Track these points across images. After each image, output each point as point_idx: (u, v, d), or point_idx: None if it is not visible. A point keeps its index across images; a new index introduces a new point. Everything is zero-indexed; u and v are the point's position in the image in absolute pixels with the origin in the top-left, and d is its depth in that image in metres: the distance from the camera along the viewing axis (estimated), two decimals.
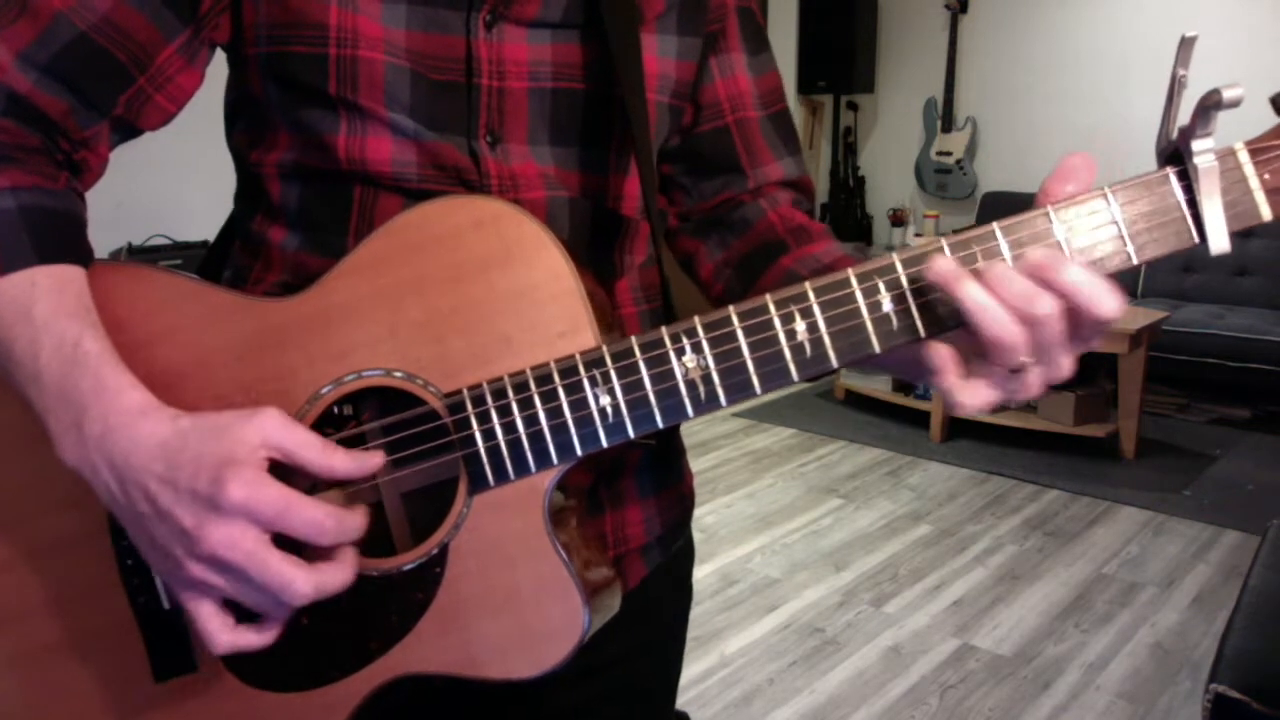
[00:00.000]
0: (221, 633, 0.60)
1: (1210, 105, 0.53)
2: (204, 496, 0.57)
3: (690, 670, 2.54)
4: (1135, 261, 0.57)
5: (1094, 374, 4.12)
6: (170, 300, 0.68)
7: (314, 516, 0.59)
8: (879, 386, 4.63)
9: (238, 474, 0.57)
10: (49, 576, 0.69)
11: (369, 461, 0.63)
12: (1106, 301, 0.54)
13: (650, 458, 0.85)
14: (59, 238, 0.65)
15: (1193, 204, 0.56)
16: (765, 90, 0.87)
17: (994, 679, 2.54)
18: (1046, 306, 0.55)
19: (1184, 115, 0.56)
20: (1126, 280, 5.07)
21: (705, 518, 3.52)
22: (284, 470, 0.60)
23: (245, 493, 0.57)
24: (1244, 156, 0.56)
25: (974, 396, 0.58)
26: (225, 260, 0.83)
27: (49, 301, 0.62)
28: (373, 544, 0.67)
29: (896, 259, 0.59)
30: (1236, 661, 1.49)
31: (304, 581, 0.59)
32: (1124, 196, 0.57)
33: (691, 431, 4.24)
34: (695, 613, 0.99)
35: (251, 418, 0.59)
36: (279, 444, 0.59)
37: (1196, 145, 0.55)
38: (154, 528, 0.59)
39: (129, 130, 0.73)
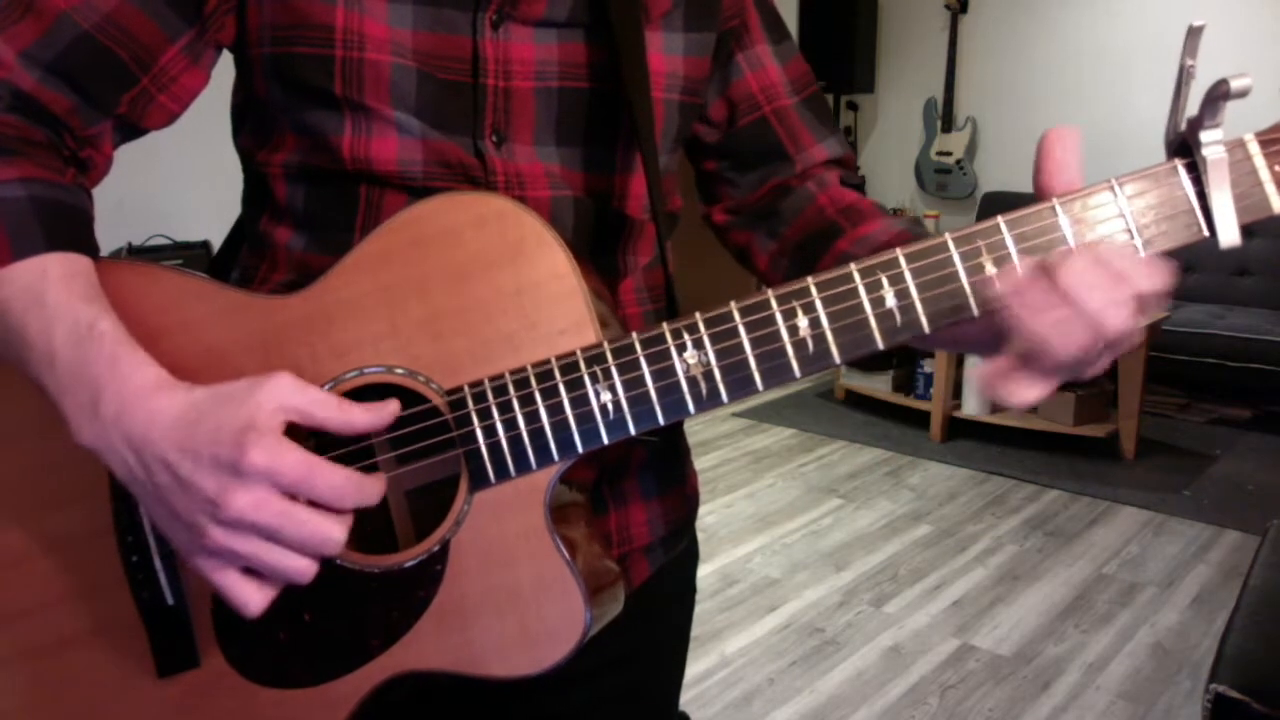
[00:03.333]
0: (253, 595, 0.60)
1: (1218, 95, 0.53)
2: (226, 463, 0.57)
3: (690, 670, 2.54)
4: (1143, 255, 0.56)
5: None
6: (175, 298, 0.68)
7: (336, 480, 0.59)
8: (879, 386, 4.63)
9: (259, 439, 0.57)
10: (53, 572, 0.68)
11: (385, 411, 0.63)
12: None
13: (655, 458, 0.85)
14: (68, 229, 0.65)
15: (1201, 196, 0.55)
16: (795, 76, 0.87)
17: (994, 679, 2.54)
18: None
19: (1193, 106, 0.55)
20: None
21: (705, 518, 3.52)
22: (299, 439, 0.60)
23: (267, 457, 0.57)
24: (1254, 147, 0.55)
25: (1030, 391, 0.58)
26: (233, 262, 0.83)
27: (61, 287, 0.62)
28: (375, 541, 0.66)
29: (900, 253, 0.59)
30: (1236, 661, 1.49)
31: (339, 530, 0.59)
32: (1131, 189, 0.56)
33: (692, 431, 4.24)
34: (695, 613, 0.99)
35: (265, 382, 0.59)
36: (295, 405, 0.59)
37: (1205, 136, 0.54)
38: (175, 499, 0.59)
39: (133, 130, 0.73)
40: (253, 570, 0.61)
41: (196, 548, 0.60)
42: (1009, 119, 5.59)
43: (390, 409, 0.63)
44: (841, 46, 5.72)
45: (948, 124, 5.72)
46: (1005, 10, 5.54)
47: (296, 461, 0.58)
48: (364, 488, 0.61)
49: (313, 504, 0.59)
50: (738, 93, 0.84)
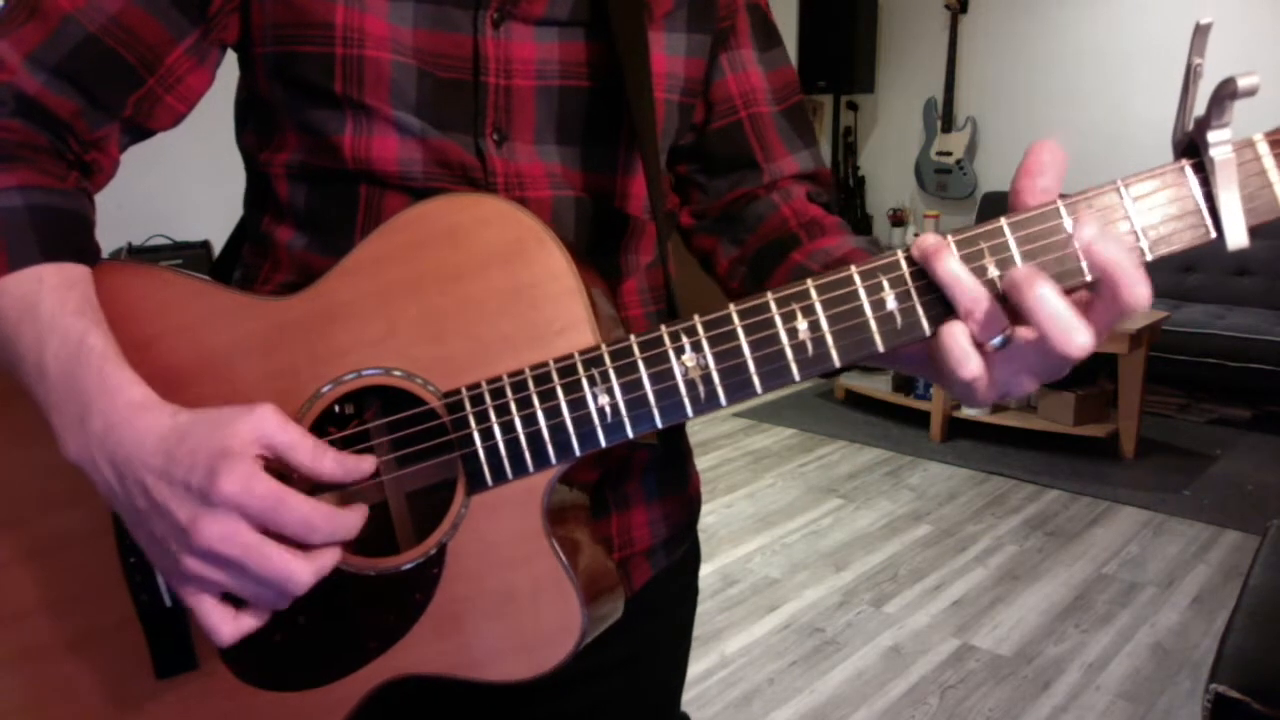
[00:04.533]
0: (224, 624, 0.60)
1: (1225, 94, 0.51)
2: (197, 490, 0.57)
3: (690, 670, 2.53)
4: (1149, 258, 0.55)
5: (1094, 374, 4.12)
6: (175, 299, 0.68)
7: (305, 514, 0.58)
8: (879, 386, 4.62)
9: (231, 468, 0.57)
10: (53, 574, 0.68)
11: (358, 466, 0.62)
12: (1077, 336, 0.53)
13: (657, 460, 0.85)
14: (65, 237, 0.65)
15: (1209, 198, 0.54)
16: (779, 85, 0.86)
17: (994, 679, 2.54)
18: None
19: (1201, 106, 0.54)
20: None
21: (705, 518, 3.52)
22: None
23: (237, 487, 0.56)
24: (1264, 148, 0.54)
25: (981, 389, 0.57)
26: (236, 262, 0.83)
27: (55, 298, 0.62)
28: (377, 543, 0.66)
29: (901, 256, 0.58)
30: (1236, 661, 1.49)
31: (304, 570, 0.58)
32: (1137, 190, 0.55)
33: (692, 431, 4.23)
34: (695, 613, 0.99)
35: (247, 414, 0.59)
36: (271, 442, 0.59)
37: (1213, 136, 0.53)
38: (152, 523, 0.59)
39: (139, 131, 0.73)
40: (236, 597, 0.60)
41: (173, 571, 0.60)
42: (1009, 119, 5.59)
43: (364, 467, 0.63)
44: (841, 46, 5.71)
45: (948, 124, 5.72)
46: (1005, 10, 5.53)
47: (265, 493, 0.57)
48: (336, 521, 0.60)
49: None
50: (716, 94, 0.83)
